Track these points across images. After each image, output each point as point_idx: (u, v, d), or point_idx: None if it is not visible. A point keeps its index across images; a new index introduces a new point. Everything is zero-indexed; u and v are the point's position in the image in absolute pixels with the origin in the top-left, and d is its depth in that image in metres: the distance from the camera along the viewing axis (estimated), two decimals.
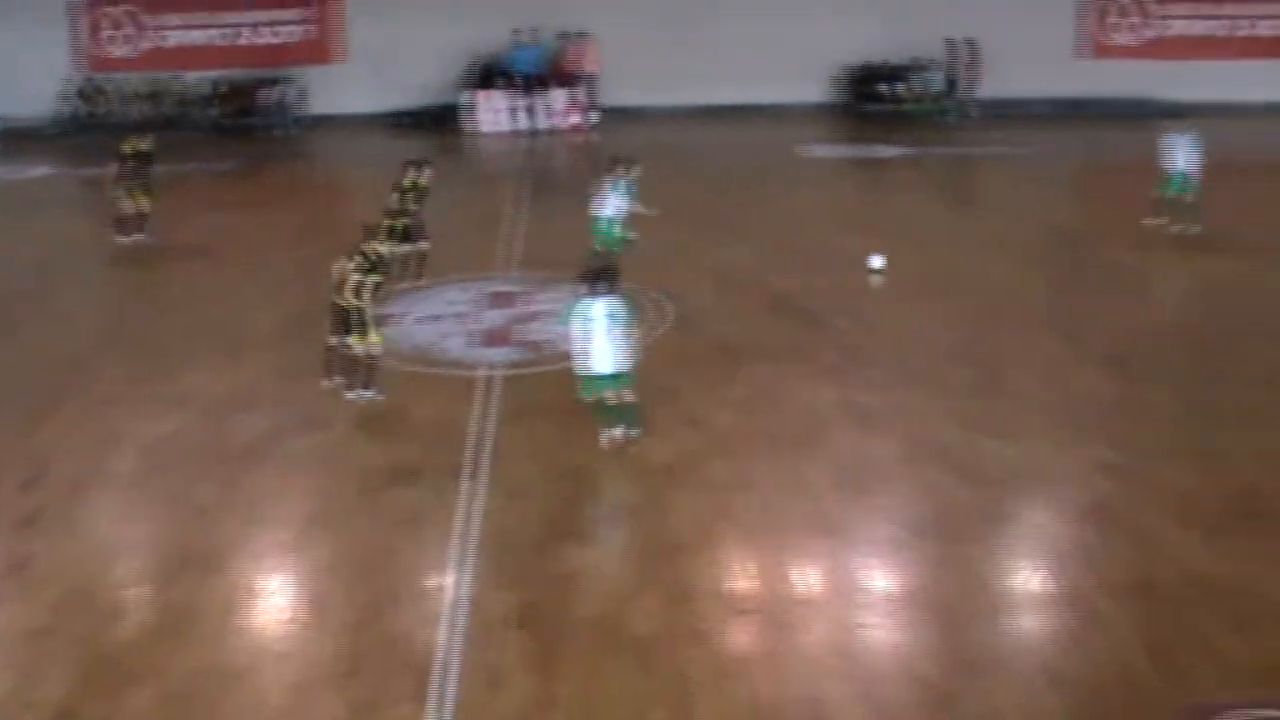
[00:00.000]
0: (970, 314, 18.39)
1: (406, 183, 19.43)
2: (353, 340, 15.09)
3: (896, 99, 30.67)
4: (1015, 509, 13.10)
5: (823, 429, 14.68)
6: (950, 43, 30.62)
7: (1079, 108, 31.47)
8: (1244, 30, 32.35)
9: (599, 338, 13.49)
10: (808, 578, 11.90)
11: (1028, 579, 11.86)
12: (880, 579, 11.82)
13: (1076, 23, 32.10)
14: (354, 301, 14.94)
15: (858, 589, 11.64)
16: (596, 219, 19.14)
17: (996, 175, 26.59)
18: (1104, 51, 32.12)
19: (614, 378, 13.67)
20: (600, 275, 13.84)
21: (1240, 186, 24.61)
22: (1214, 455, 13.97)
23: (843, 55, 31.13)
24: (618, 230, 19.07)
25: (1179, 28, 32.26)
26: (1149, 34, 32.21)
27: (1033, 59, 30.70)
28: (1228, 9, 32.17)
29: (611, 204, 19.10)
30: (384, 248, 15.81)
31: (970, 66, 30.80)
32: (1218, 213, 21.86)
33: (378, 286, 15.18)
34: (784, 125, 30.16)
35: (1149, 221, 21.22)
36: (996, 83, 31.07)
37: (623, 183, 19.31)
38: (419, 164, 19.75)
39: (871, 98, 31.12)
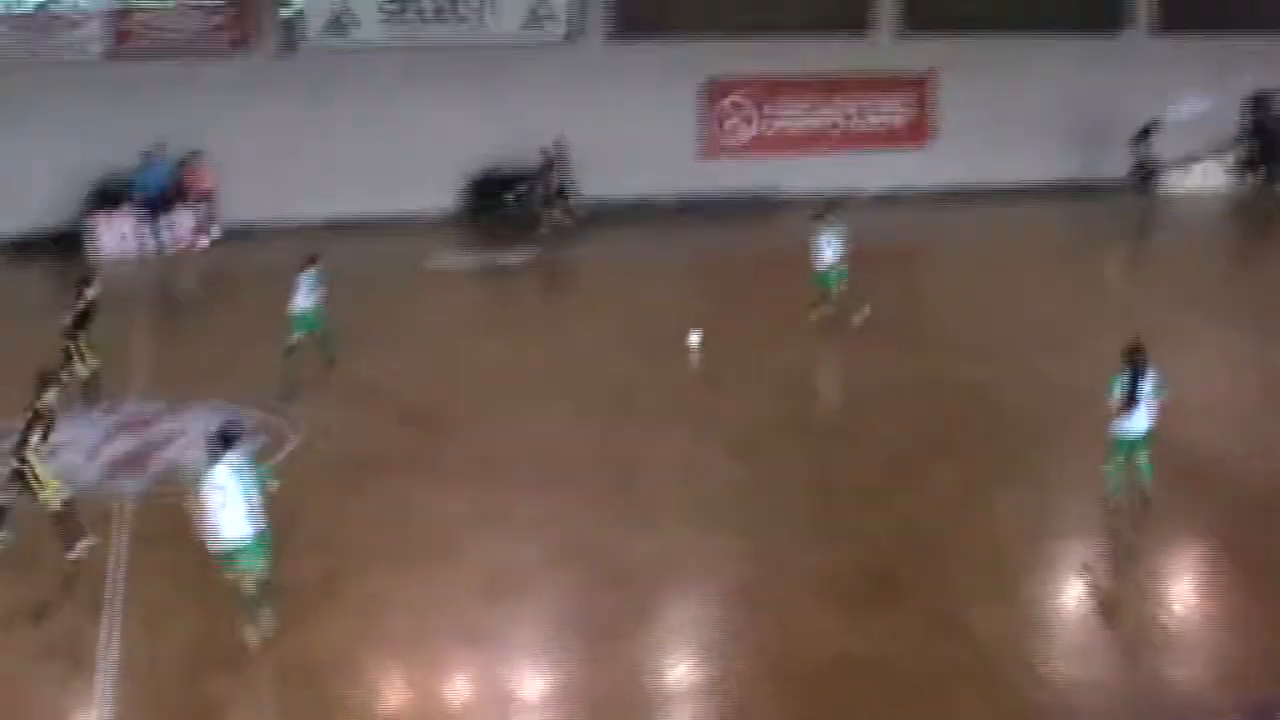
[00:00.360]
0: (601, 412, 18.58)
1: (81, 303, 18.68)
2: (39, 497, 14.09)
3: (518, 204, 30.82)
4: (659, 602, 13.23)
5: (461, 538, 14.52)
6: (545, 150, 31.02)
7: (701, 205, 32.48)
8: (842, 126, 34.05)
9: (231, 505, 12.17)
10: (458, 689, 11.74)
11: (676, 670, 11.99)
12: (531, 684, 11.76)
13: (697, 124, 33.14)
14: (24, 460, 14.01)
15: (510, 697, 11.56)
16: (295, 314, 19.45)
17: (621, 275, 27.05)
18: (722, 150, 33.27)
19: (255, 547, 12.36)
20: (222, 438, 12.43)
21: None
22: (844, 536, 14.48)
23: (467, 163, 31.13)
24: (312, 320, 19.61)
25: (786, 125, 33.68)
26: (761, 132, 33.53)
27: (659, 160, 31.56)
28: (826, 106, 33.82)
29: (304, 297, 19.49)
30: (53, 397, 14.63)
31: (559, 169, 31.19)
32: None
33: (45, 436, 14.26)
34: (411, 236, 29.96)
35: (815, 316, 21.76)
36: (625, 183, 31.78)
37: (314, 276, 19.66)
38: (86, 280, 19.06)
39: (495, 205, 31.22)
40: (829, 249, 21.77)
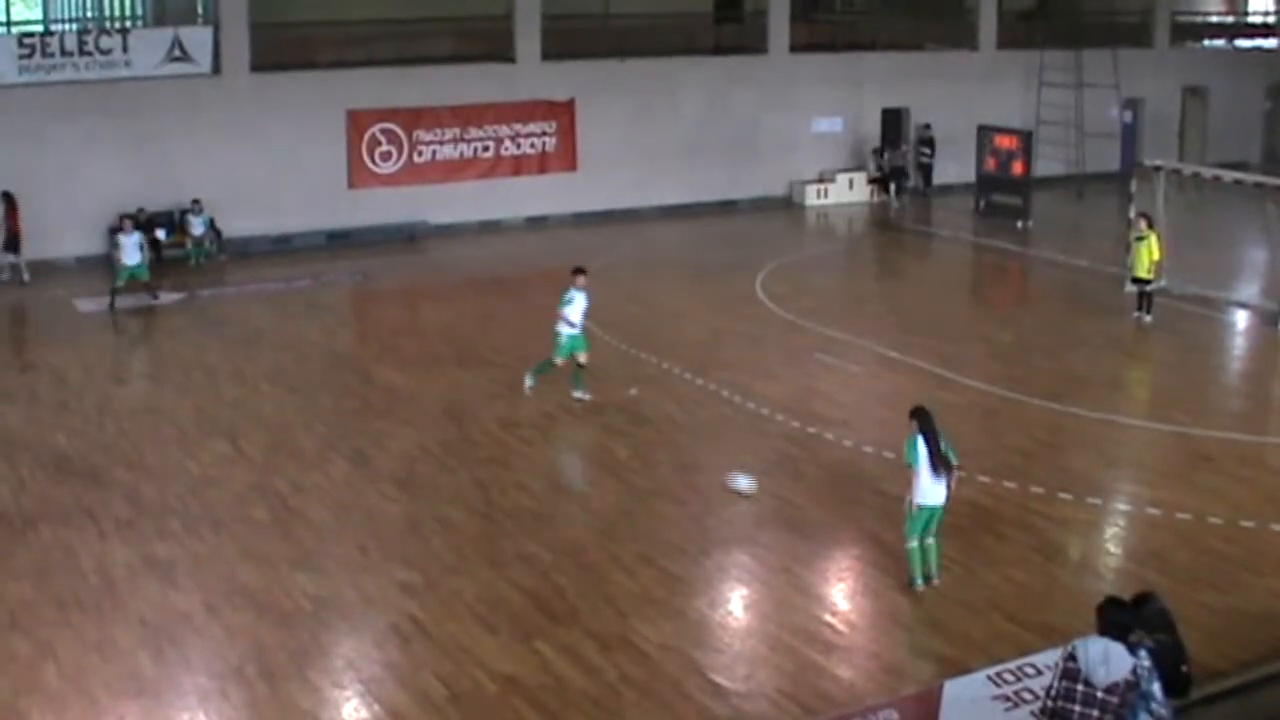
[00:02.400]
0: (258, 451, 18.56)
1: None
2: None
3: (159, 245, 30.15)
4: (325, 640, 13.33)
5: (121, 588, 14.33)
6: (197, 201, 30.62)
7: (351, 237, 32.52)
8: (489, 154, 34.60)
9: None
10: None
11: (342, 709, 12.11)
12: None
13: (346, 155, 33.10)
14: None
15: None
16: None
17: (271, 310, 26.94)
18: (369, 180, 33.33)
19: None
20: None
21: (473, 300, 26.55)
22: (509, 562, 14.91)
23: (114, 203, 30.30)
24: None
25: (431, 154, 33.99)
26: (408, 162, 33.74)
27: (309, 193, 31.44)
28: (473, 134, 34.28)
29: None
30: None
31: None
32: (484, 328, 23.36)
33: None
34: (56, 279, 29.06)
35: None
36: (274, 218, 31.61)
37: None
38: None
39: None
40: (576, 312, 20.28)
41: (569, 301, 20.05)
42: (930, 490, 13.81)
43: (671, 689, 12.28)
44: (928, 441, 13.71)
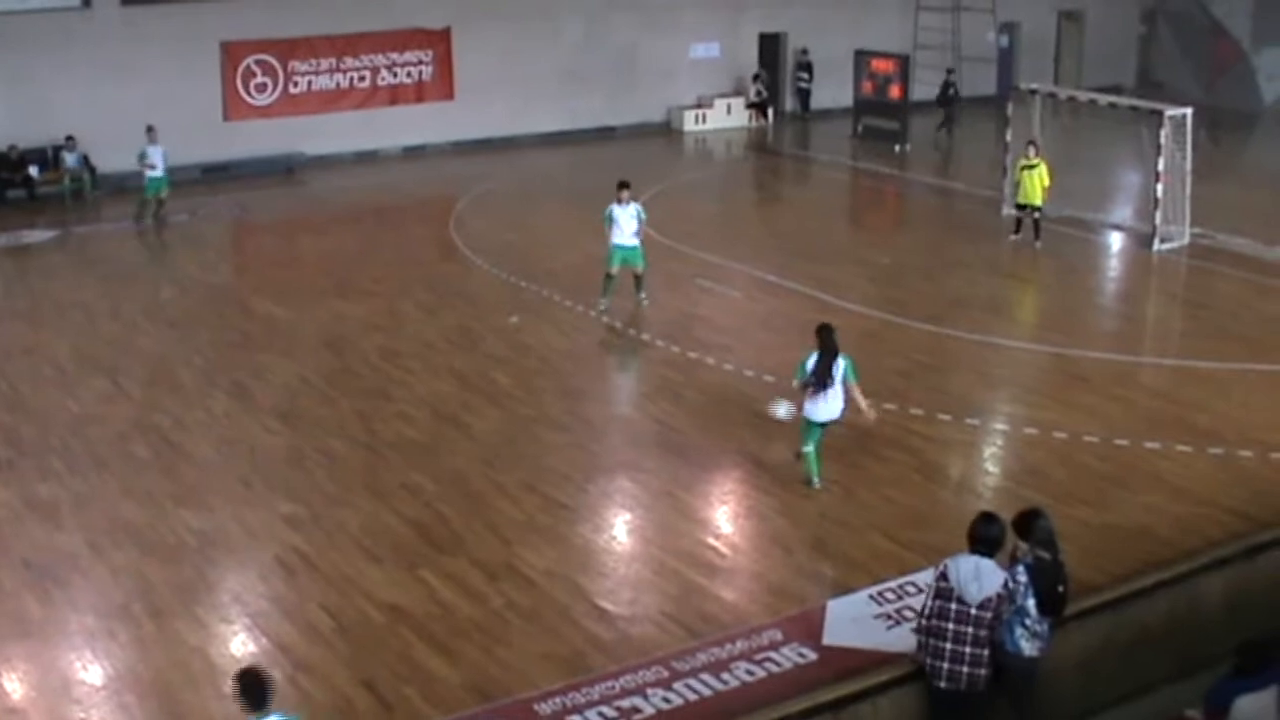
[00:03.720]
0: (137, 387, 18.40)
1: None
2: None
3: (32, 182, 29.51)
4: (210, 575, 13.34)
5: (4, 529, 14.20)
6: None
7: (228, 170, 32.05)
8: (365, 84, 34.24)
9: None
10: (13, 684, 11.54)
11: (229, 644, 12.14)
12: (88, 671, 11.68)
13: (221, 88, 32.55)
14: None
15: (69, 685, 11.46)
16: None
17: (147, 246, 26.60)
18: (245, 113, 32.84)
19: None
20: None
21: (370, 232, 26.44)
22: (392, 493, 14.97)
23: None
24: None
25: (306, 85, 33.55)
26: (284, 93, 33.28)
27: (184, 127, 30.90)
28: (349, 64, 33.91)
29: None
30: None
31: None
32: (364, 259, 23.24)
33: None
34: None
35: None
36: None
37: None
38: None
39: (8, 184, 29.78)
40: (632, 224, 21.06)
41: (608, 218, 20.97)
42: (821, 403, 14.48)
43: (557, 614, 12.46)
44: (820, 359, 14.33)
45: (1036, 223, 25.42)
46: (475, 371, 19.01)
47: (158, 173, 27.95)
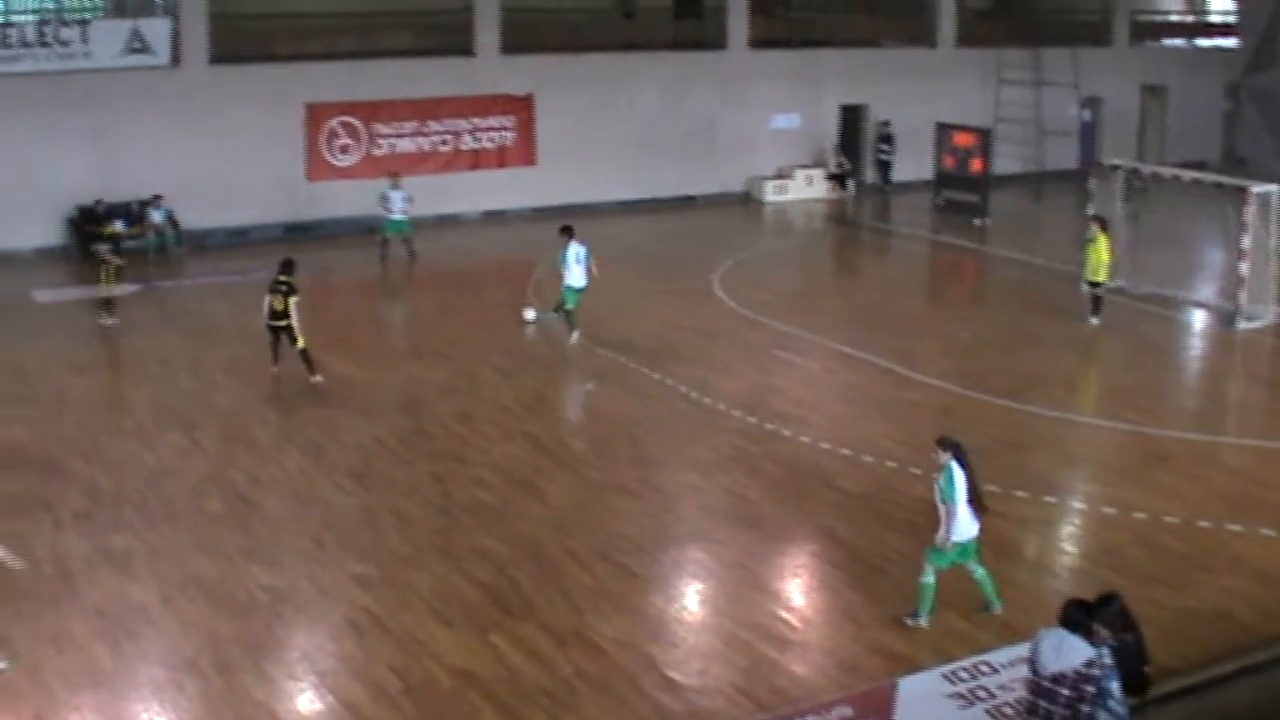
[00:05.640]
0: (213, 442, 18.51)
1: None
2: None
3: (118, 237, 29.90)
4: (279, 632, 13.35)
5: (78, 579, 14.29)
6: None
7: (310, 230, 32.39)
8: (447, 147, 34.60)
9: None
10: None
11: (297, 701, 12.13)
12: None
13: (305, 148, 32.98)
14: None
15: None
16: None
17: (228, 303, 26.85)
18: (328, 173, 33.27)
19: None
20: None
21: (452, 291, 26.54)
22: (464, 556, 14.93)
23: (72, 194, 30.09)
24: None
25: (389, 147, 33.91)
26: (366, 155, 33.66)
27: (267, 186, 31.24)
28: (432, 128, 34.28)
29: None
30: None
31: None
32: (441, 322, 23.28)
33: None
34: (13, 271, 28.86)
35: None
36: (233, 210, 31.49)
37: None
38: None
39: (95, 238, 30.20)
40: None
41: (561, 260, 23.15)
42: (968, 525, 13.07)
43: (626, 684, 12.34)
44: (966, 474, 13.03)
45: (1097, 298, 25.13)
46: (550, 437, 19.02)
47: (396, 215, 29.69)
